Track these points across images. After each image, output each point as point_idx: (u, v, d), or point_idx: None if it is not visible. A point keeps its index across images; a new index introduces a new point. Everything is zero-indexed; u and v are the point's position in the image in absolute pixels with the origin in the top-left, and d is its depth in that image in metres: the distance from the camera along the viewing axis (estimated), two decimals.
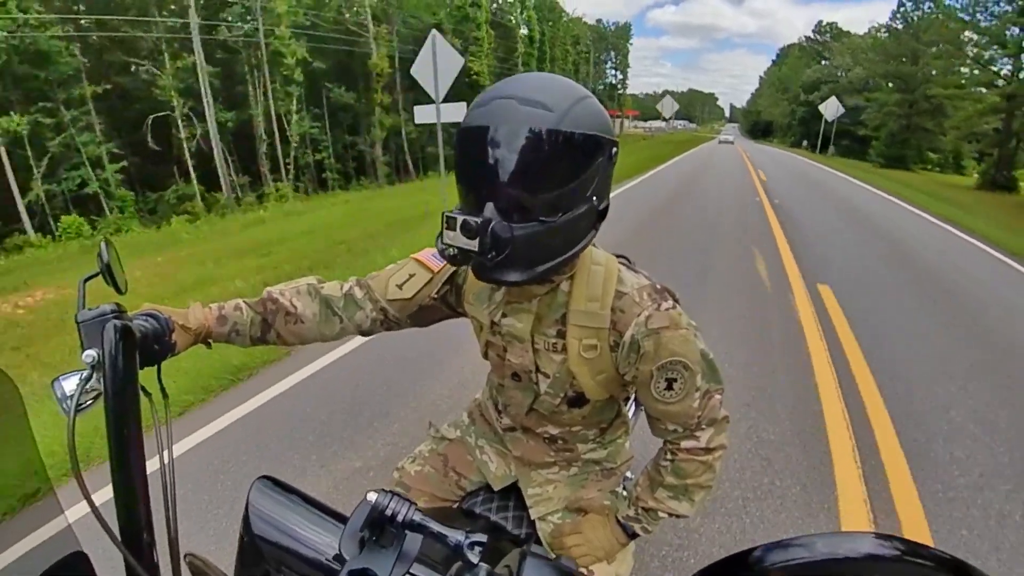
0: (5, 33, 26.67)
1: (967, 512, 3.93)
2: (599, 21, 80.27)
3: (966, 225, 17.41)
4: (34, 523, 1.08)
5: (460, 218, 1.13)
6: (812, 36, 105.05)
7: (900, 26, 58.06)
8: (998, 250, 13.82)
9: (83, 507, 0.90)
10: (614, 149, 1.25)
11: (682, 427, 1.44)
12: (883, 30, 63.51)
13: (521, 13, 52.07)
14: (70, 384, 1.05)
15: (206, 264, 13.56)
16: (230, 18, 35.58)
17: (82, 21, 31.51)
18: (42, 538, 1.04)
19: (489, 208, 1.13)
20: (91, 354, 0.99)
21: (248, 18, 35.57)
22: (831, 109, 49.94)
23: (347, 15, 41.61)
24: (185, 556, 1.10)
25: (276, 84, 37.23)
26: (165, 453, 1.11)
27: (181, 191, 34.47)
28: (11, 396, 1.05)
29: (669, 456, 1.50)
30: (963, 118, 40.77)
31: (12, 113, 27.93)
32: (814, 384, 5.52)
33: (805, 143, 69.70)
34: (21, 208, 29.02)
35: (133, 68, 33.99)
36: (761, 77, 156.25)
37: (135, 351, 1.04)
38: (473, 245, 1.12)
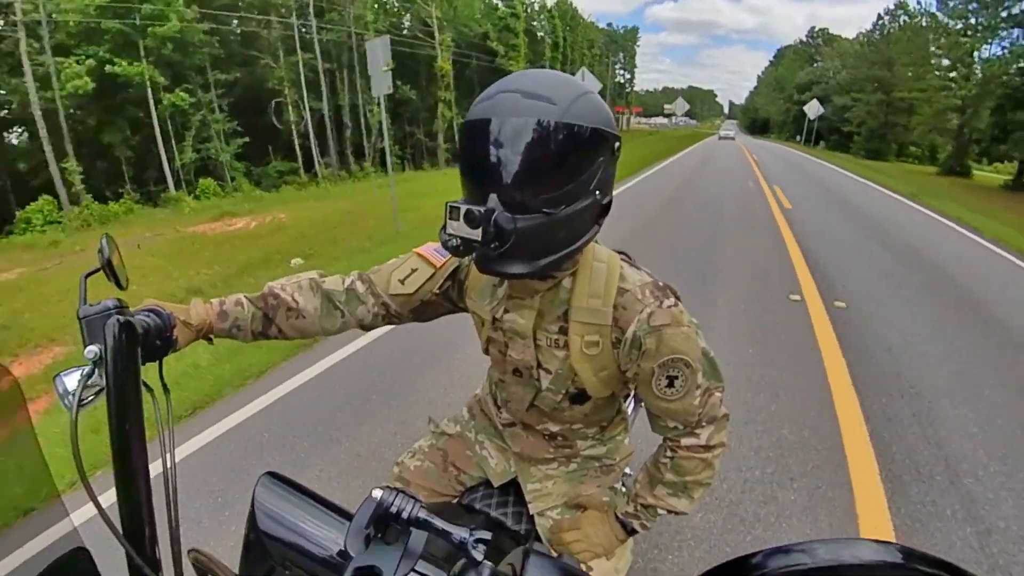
0: (179, 25, 27.69)
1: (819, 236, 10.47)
2: (610, 24, 77.42)
3: (878, 180, 24.13)
4: (37, 520, 0.90)
5: (463, 207, 0.95)
6: (806, 40, 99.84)
7: (879, 36, 56.42)
8: (887, 189, 20.88)
9: (86, 504, 0.75)
10: (617, 144, 1.05)
11: (683, 424, 1.21)
12: (867, 37, 61.91)
13: (548, 22, 50.42)
14: (72, 380, 0.87)
15: (399, 199, 15.81)
16: (318, 24, 35.85)
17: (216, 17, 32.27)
18: (45, 536, 0.85)
19: (493, 199, 0.95)
20: (93, 350, 0.82)
21: (333, 25, 36.05)
22: (813, 109, 49.57)
23: (406, 23, 41.69)
24: (189, 552, 0.92)
25: (362, 81, 37.21)
26: (167, 449, 0.91)
27: (279, 166, 35.11)
28: (13, 392, 0.87)
29: (669, 453, 1.26)
30: (928, 116, 40.81)
31: (177, 90, 29.36)
32: (767, 201, 14.17)
33: (798, 138, 66.47)
34: (167, 172, 30.03)
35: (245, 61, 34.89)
36: (759, 76, 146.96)
37: (137, 347, 0.86)
38: (476, 234, 0.94)
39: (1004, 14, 32.86)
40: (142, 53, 27.64)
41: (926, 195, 19.32)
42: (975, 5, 34.96)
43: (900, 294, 7.04)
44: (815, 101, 51.43)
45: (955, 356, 5.12)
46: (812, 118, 50.38)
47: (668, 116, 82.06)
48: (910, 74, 44.40)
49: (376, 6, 38.84)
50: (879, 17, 57.67)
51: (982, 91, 34.01)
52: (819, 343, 5.23)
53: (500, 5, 45.21)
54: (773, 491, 3.17)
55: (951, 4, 36.82)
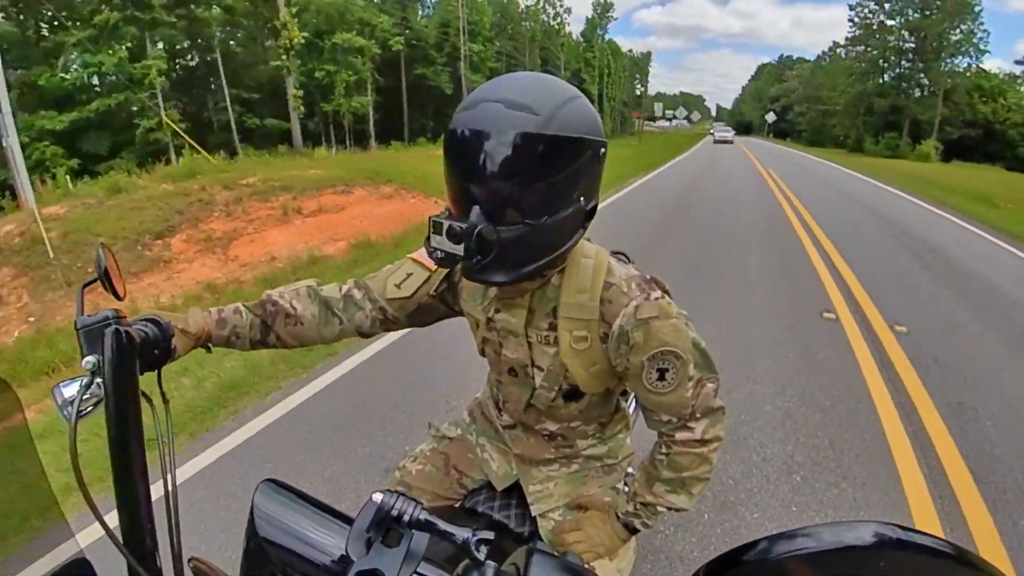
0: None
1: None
2: (630, 51, 79.14)
3: (812, 153, 36.25)
4: (37, 530, 0.73)
5: (446, 224, 0.74)
6: (776, 62, 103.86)
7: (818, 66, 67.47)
8: (810, 154, 33.24)
9: (87, 514, 0.55)
10: (602, 150, 0.81)
11: (676, 418, 0.92)
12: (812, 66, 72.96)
13: (602, 57, 55.50)
14: (70, 390, 0.67)
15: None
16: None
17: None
18: (46, 547, 0.67)
19: (475, 212, 0.74)
20: (91, 360, 0.63)
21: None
22: (770, 117, 64.72)
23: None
24: (189, 560, 0.71)
25: None
26: (167, 458, 0.71)
27: None
28: (11, 404, 0.68)
29: (664, 450, 0.96)
30: (840, 118, 48.46)
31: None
32: (749, 158, 23.96)
33: (771, 135, 73.47)
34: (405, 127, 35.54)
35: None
36: (744, 87, 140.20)
37: (135, 356, 0.66)
38: (459, 250, 0.74)
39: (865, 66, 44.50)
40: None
41: (822, 155, 32.48)
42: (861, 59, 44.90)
43: (786, 166, 20.98)
44: (771, 112, 66.88)
45: (788, 165, 22.80)
46: (770, 122, 66.00)
47: (669, 120, 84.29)
48: (829, 93, 51.89)
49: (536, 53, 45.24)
50: (818, 57, 70.16)
51: (849, 106, 45.56)
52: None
53: (583, 48, 53.37)
54: None
55: (852, 55, 47.19)
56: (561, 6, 48.77)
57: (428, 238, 0.77)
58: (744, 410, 3.02)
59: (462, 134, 0.76)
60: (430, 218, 0.75)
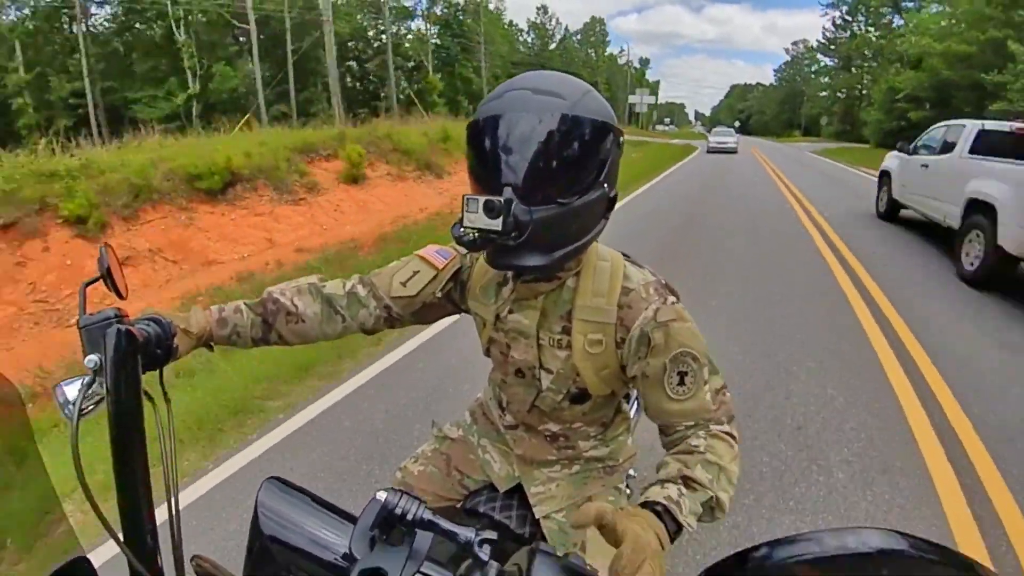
0: None
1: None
2: (644, 76, 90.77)
3: (756, 137, 52.07)
4: (39, 530, 0.66)
5: (483, 199, 0.65)
6: (743, 85, 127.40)
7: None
8: (756, 138, 53.32)
9: (89, 512, 0.51)
10: (621, 138, 0.75)
11: (700, 422, 0.76)
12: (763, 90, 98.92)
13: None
14: (72, 390, 0.59)
15: None
16: None
17: None
18: (46, 545, 0.59)
19: (508, 192, 0.66)
20: (93, 359, 0.56)
21: None
22: (736, 124, 78.11)
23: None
24: (192, 559, 0.63)
25: None
26: (169, 457, 0.63)
27: None
28: (13, 401, 0.59)
29: (701, 434, 0.74)
30: (771, 122, 70.68)
31: None
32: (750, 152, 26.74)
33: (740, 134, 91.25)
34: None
35: None
36: (720, 101, 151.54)
37: (137, 355, 0.58)
38: (496, 224, 0.65)
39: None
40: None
41: (760, 138, 47.62)
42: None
43: (745, 141, 34.72)
44: (737, 122, 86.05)
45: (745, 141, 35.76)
46: (736, 127, 75.73)
47: (666, 125, 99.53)
48: (768, 109, 76.43)
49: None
50: (766, 86, 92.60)
51: (775, 116, 68.93)
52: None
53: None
54: None
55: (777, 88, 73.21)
56: (631, 56, 68.97)
57: (457, 222, 0.68)
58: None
59: (491, 120, 0.69)
60: (464, 197, 0.66)
